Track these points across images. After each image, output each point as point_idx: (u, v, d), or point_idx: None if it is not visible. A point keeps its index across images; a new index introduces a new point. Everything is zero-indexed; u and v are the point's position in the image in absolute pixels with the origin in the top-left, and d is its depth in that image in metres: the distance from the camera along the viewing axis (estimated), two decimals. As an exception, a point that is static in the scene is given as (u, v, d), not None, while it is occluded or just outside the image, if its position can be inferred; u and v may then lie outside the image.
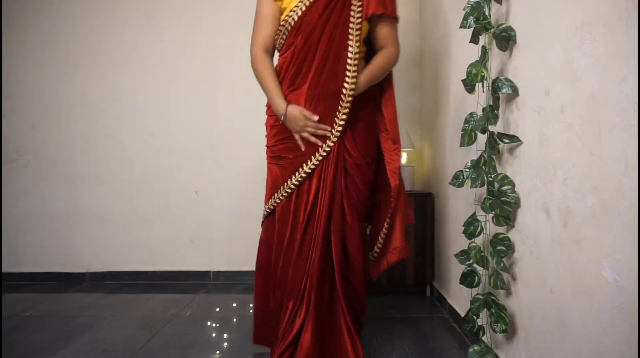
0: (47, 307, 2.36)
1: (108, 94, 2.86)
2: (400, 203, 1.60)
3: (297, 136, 1.52)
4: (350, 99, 1.50)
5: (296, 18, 1.50)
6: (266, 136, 1.65)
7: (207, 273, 2.85)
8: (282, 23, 1.54)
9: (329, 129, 1.51)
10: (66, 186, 2.88)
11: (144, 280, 2.84)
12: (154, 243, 2.85)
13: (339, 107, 1.51)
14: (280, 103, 1.52)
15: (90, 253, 2.87)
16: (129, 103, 2.86)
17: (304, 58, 1.51)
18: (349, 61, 1.49)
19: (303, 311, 1.51)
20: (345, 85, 1.49)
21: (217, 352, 1.76)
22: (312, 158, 1.52)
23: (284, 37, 1.55)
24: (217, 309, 2.30)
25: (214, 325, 2.08)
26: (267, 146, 1.64)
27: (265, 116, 1.66)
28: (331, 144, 1.51)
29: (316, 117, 1.49)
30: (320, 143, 1.51)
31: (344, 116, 1.51)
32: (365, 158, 1.57)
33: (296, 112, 1.49)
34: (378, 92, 1.66)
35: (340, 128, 1.51)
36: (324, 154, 1.52)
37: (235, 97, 2.79)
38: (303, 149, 1.52)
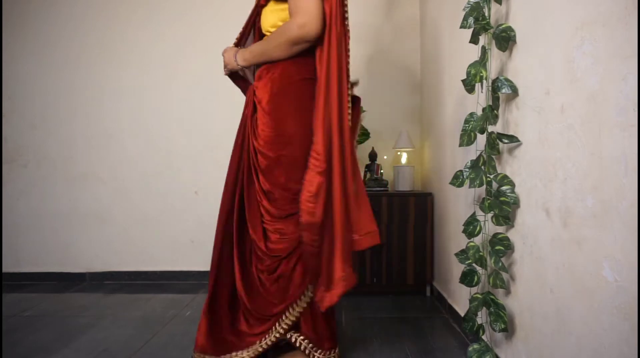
0: (47, 307, 2.36)
1: (108, 94, 2.86)
2: (336, 232, 1.33)
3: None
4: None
5: None
6: None
7: (207, 273, 2.84)
8: None
9: None
10: (66, 186, 2.88)
11: (144, 280, 2.84)
12: (154, 243, 2.85)
13: None
14: None
15: (90, 253, 2.88)
16: (130, 103, 2.86)
17: None
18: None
19: None
20: None
21: (217, 352, 1.76)
22: None
23: None
24: (217, 309, 2.30)
25: (214, 325, 2.08)
26: None
27: None
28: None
29: None
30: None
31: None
32: (267, 160, 1.46)
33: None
34: (307, 77, 1.46)
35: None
36: None
37: (235, 97, 2.78)
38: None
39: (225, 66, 1.63)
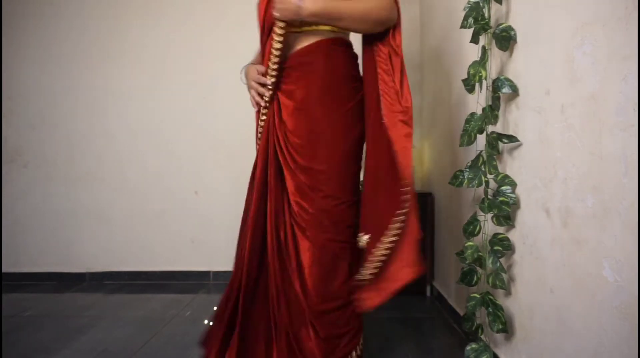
0: (47, 307, 2.36)
1: (108, 94, 2.86)
2: (413, 204, 1.24)
3: (249, 96, 1.43)
4: (282, 25, 1.27)
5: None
6: None
7: (207, 273, 2.85)
8: None
9: (268, 86, 1.35)
10: (66, 186, 2.88)
11: (144, 280, 2.84)
12: (154, 243, 2.85)
13: (272, 44, 1.30)
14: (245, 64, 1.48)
15: (90, 253, 2.87)
16: (129, 103, 2.86)
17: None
18: None
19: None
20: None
21: (217, 352, 1.76)
22: (259, 128, 1.41)
23: None
24: (217, 309, 2.30)
25: (214, 325, 2.08)
26: None
27: None
28: (266, 99, 1.35)
29: (262, 68, 1.36)
30: (261, 102, 1.38)
31: (277, 55, 1.30)
32: (320, 158, 1.29)
33: (250, 66, 1.43)
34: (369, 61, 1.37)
35: (273, 72, 1.33)
36: (262, 123, 1.38)
37: (235, 97, 2.78)
38: (255, 107, 1.42)
39: (275, 8, 1.25)
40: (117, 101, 2.86)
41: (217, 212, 2.82)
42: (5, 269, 2.85)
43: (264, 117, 1.40)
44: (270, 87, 1.36)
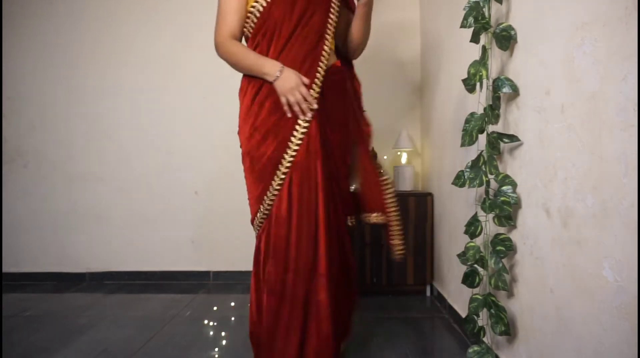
0: (47, 307, 2.36)
1: (108, 94, 2.86)
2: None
3: (283, 100, 1.40)
4: (328, 51, 1.47)
5: (261, 9, 1.45)
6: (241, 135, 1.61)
7: (207, 273, 2.85)
8: (248, 15, 1.49)
9: (314, 103, 1.42)
10: (66, 186, 2.88)
11: (144, 280, 2.84)
12: (154, 243, 2.85)
13: (319, 63, 1.45)
14: (273, 63, 1.42)
15: (90, 253, 2.87)
16: (129, 103, 2.86)
17: (270, 39, 1.46)
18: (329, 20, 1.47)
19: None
20: (327, 37, 1.47)
21: (217, 352, 1.76)
22: (294, 136, 1.42)
23: (251, 27, 1.51)
24: (217, 309, 2.30)
25: (213, 325, 2.08)
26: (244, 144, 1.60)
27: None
28: (309, 115, 1.41)
29: (307, 80, 1.41)
30: (302, 116, 1.41)
31: (325, 63, 1.46)
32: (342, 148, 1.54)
33: (292, 72, 1.40)
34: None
35: (317, 90, 1.43)
36: (304, 130, 1.41)
37: (235, 97, 2.78)
38: (289, 115, 1.41)
39: None
40: (117, 100, 2.86)
41: (217, 212, 2.82)
42: (5, 269, 2.86)
43: (306, 125, 1.42)
44: (315, 108, 1.42)
